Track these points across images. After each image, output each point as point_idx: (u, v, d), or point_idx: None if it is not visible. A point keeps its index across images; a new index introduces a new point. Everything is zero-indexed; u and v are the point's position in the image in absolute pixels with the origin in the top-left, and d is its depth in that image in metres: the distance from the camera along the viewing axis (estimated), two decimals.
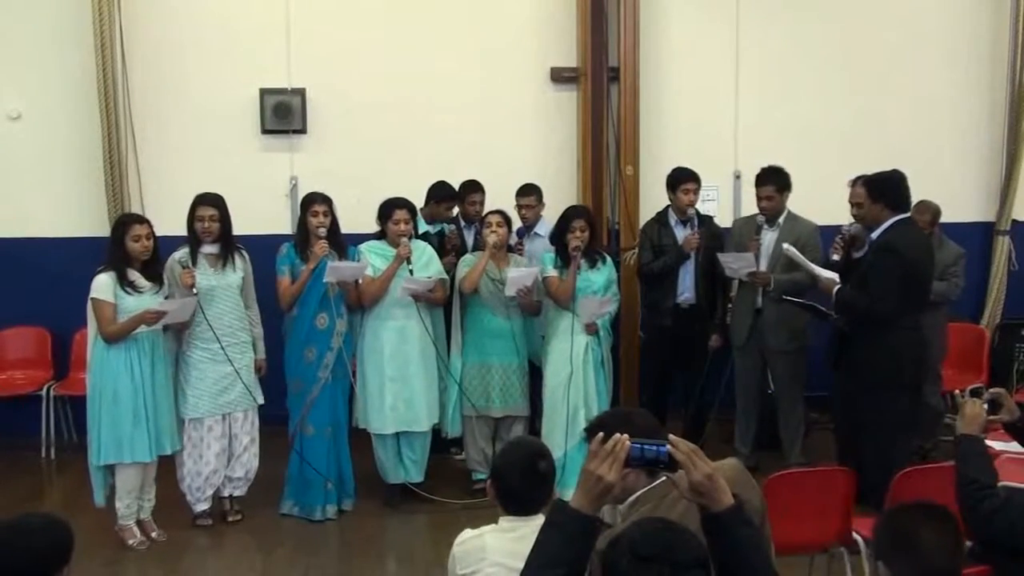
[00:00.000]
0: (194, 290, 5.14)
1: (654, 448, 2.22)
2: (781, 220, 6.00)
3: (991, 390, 3.36)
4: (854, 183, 5.69)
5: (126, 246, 5.06)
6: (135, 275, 5.09)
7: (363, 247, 5.68)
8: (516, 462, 2.87)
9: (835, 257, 5.52)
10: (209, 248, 5.33)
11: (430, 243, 6.01)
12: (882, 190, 5.05)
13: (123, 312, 5.03)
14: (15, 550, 2.53)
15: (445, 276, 5.82)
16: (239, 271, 5.39)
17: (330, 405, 5.53)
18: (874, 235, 5.08)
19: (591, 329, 5.66)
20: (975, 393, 3.28)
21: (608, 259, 5.93)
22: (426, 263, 5.68)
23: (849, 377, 5.18)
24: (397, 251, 5.55)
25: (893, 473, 4.02)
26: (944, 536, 2.37)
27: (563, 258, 5.72)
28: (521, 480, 2.83)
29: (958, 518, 2.48)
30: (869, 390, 5.04)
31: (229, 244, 5.39)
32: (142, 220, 5.19)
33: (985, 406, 3.23)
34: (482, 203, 6.48)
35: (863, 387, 5.06)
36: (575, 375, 5.60)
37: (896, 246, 4.94)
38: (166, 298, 5.17)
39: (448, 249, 6.26)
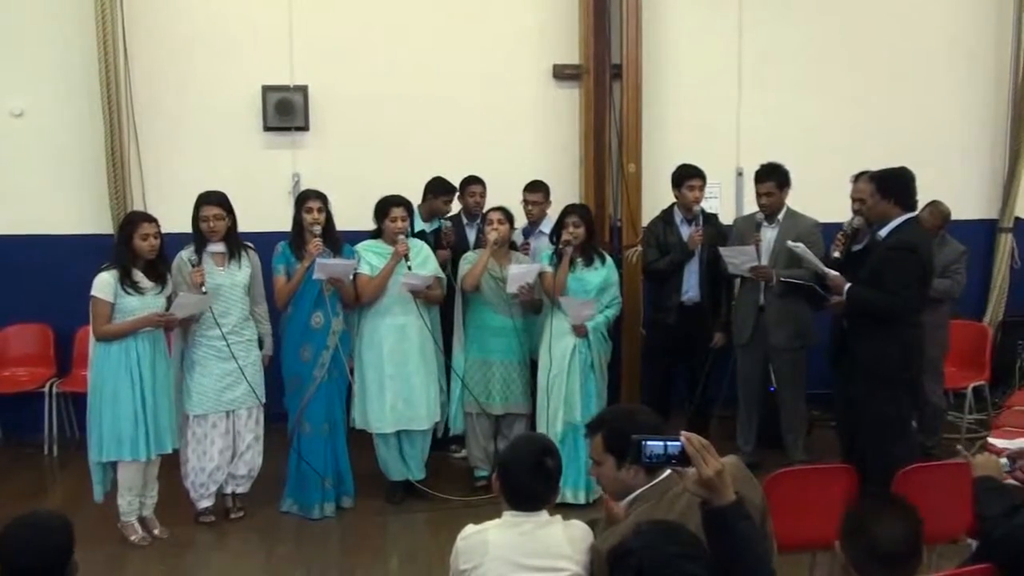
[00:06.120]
0: (203, 289, 5.14)
1: (674, 444, 2.26)
2: (781, 217, 5.99)
3: (1013, 449, 3.30)
4: (856, 179, 5.66)
5: (133, 244, 5.05)
6: (138, 275, 5.08)
7: (360, 247, 5.67)
8: (524, 458, 2.88)
9: (836, 254, 5.49)
10: (215, 247, 5.33)
11: (426, 242, 5.99)
12: (892, 187, 4.96)
13: (122, 311, 5.03)
14: (24, 548, 2.54)
15: (442, 275, 5.82)
16: (245, 269, 5.39)
17: (326, 403, 5.53)
18: (882, 232, 4.99)
19: (580, 331, 5.61)
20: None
21: (609, 260, 5.86)
22: (422, 262, 5.67)
23: (850, 374, 5.16)
24: (395, 248, 5.55)
25: (894, 471, 4.01)
26: (897, 524, 2.43)
27: (559, 255, 5.72)
28: (528, 476, 2.84)
29: (918, 511, 2.53)
30: (871, 387, 5.02)
31: (235, 242, 5.39)
32: (151, 219, 5.17)
33: (1005, 461, 3.18)
34: (482, 195, 6.47)
35: (865, 384, 5.03)
36: (559, 376, 5.59)
37: (914, 245, 4.89)
38: (169, 297, 5.17)
39: (444, 244, 6.25)
